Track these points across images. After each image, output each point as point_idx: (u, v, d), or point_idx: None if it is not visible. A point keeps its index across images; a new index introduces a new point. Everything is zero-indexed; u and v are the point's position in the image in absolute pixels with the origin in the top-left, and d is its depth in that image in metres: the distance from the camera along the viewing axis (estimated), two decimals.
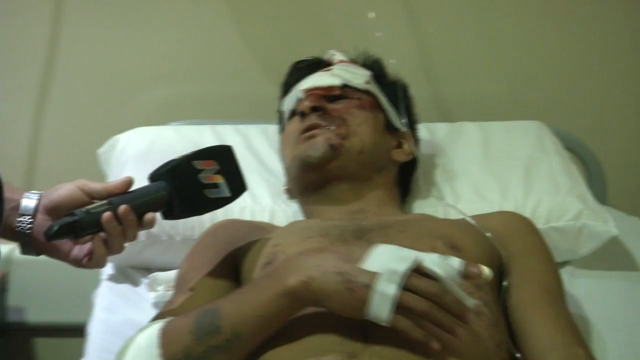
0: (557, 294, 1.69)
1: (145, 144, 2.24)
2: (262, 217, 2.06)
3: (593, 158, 2.50)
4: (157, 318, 1.60)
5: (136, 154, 2.19)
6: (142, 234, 1.97)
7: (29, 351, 2.65)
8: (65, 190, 1.50)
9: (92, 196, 1.49)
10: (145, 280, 2.00)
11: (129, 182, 1.53)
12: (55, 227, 1.40)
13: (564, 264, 2.08)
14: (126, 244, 1.52)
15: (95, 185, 1.50)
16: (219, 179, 1.55)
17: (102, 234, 1.47)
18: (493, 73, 2.64)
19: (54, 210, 1.49)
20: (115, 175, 2.17)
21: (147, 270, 2.05)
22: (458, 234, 1.71)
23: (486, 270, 1.41)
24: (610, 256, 2.09)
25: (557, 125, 2.44)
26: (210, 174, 1.54)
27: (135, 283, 2.06)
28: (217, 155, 1.57)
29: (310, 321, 1.47)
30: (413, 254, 1.39)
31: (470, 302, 1.39)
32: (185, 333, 1.46)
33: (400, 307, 1.34)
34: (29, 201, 1.50)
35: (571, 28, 2.62)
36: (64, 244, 1.51)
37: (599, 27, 2.62)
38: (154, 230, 1.96)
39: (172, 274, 1.88)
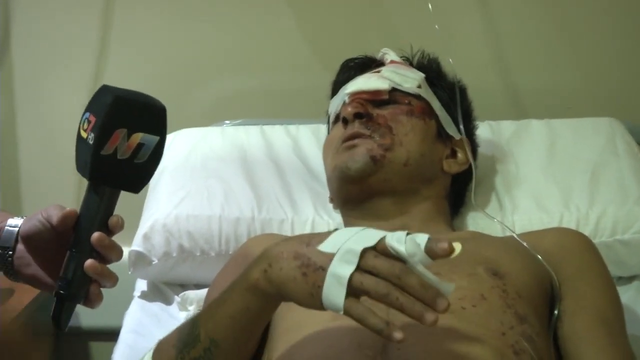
0: (614, 323, 1.54)
1: (187, 148, 2.15)
2: (303, 230, 1.95)
3: None
4: None
5: (175, 160, 2.10)
6: (174, 250, 1.91)
7: (82, 355, 2.61)
8: (34, 222, 1.37)
9: (56, 229, 1.36)
10: (177, 299, 1.91)
11: (72, 215, 1.34)
12: (60, 321, 1.31)
13: (632, 278, 1.95)
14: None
15: (55, 220, 1.35)
16: (137, 138, 1.29)
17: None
18: (568, 64, 2.47)
19: (29, 241, 1.37)
20: (155, 182, 2.08)
21: (181, 286, 1.98)
22: (504, 257, 1.57)
23: (457, 248, 1.17)
24: None
25: (637, 120, 2.30)
26: (126, 143, 1.28)
27: (167, 301, 1.98)
28: (116, 120, 1.28)
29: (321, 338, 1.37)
30: (378, 234, 1.18)
31: (446, 286, 1.16)
32: (170, 348, 1.36)
33: (354, 291, 1.15)
34: (10, 229, 1.39)
35: None
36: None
37: None
38: (187, 245, 1.89)
39: (204, 292, 1.79)
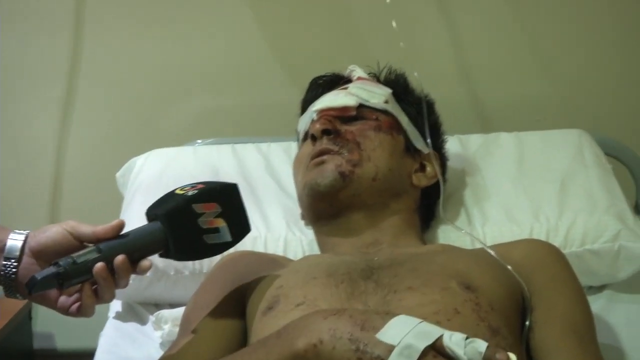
0: (585, 333, 1.55)
1: (160, 168, 2.15)
2: (276, 247, 1.96)
3: None
4: None
5: (149, 179, 2.11)
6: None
7: None
8: (53, 232, 1.41)
9: (81, 240, 1.40)
10: (152, 318, 1.91)
11: (120, 226, 1.40)
12: (37, 280, 1.30)
13: (602, 288, 1.96)
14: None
15: (84, 229, 1.40)
16: (220, 223, 1.42)
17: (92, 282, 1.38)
18: (536, 78, 2.52)
19: (41, 254, 1.40)
20: (128, 201, 2.10)
21: (156, 306, 1.98)
22: (475, 269, 1.58)
23: (513, 359, 1.25)
24: None
25: (604, 132, 2.31)
26: (211, 218, 1.41)
27: (142, 321, 1.97)
28: (220, 196, 1.44)
29: None
30: (436, 331, 1.25)
31: None
32: None
33: None
34: (14, 242, 1.41)
35: (620, 25, 2.49)
36: (51, 291, 1.41)
37: None
38: (161, 264, 1.90)
39: (178, 311, 1.79)
